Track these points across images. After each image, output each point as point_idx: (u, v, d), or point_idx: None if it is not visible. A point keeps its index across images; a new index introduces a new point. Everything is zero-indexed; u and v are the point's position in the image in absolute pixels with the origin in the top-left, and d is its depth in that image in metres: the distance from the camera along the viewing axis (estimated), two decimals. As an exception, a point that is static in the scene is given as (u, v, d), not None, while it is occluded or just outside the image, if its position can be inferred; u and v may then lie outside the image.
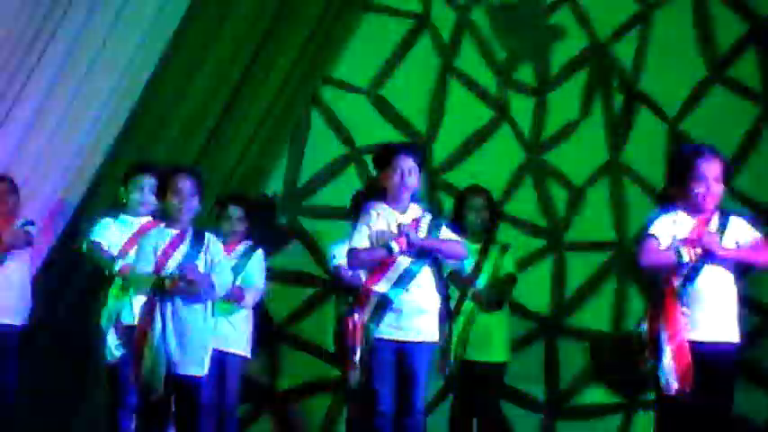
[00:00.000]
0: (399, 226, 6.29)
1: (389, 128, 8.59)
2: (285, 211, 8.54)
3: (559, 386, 8.58)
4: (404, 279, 6.29)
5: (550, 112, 8.73)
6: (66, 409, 7.89)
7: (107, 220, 7.15)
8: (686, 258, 5.86)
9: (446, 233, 6.45)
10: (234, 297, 7.19)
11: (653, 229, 5.95)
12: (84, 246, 7.16)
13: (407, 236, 6.24)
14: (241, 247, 7.44)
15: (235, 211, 7.44)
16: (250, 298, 7.37)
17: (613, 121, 8.72)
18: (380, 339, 6.27)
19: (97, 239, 7.09)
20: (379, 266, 6.29)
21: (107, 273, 7.06)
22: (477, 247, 7.53)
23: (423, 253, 6.30)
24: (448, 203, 8.43)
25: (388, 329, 6.28)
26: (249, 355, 7.43)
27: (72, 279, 7.97)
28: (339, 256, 7.14)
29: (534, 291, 8.54)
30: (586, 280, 8.66)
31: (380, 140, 8.36)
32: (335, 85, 8.62)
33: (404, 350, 6.29)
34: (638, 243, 6.12)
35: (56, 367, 7.90)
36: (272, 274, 8.30)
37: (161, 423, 6.32)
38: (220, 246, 6.47)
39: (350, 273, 7.02)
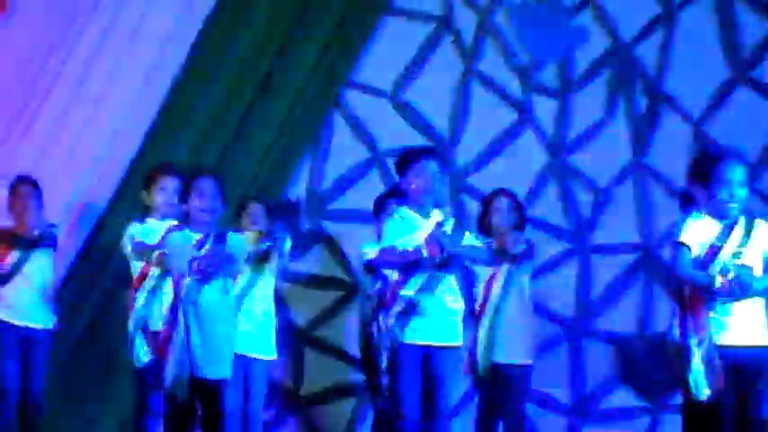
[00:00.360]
0: (431, 232, 6.27)
1: (412, 131, 8.58)
2: (308, 214, 8.53)
3: (585, 389, 8.56)
4: (431, 283, 6.27)
5: (574, 113, 8.71)
6: (94, 413, 7.91)
7: (135, 224, 7.12)
8: (718, 285, 5.83)
9: (469, 239, 6.44)
10: None
11: (684, 237, 5.90)
12: (130, 247, 7.10)
13: (438, 242, 6.22)
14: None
15: (253, 207, 7.40)
16: None
17: (637, 122, 8.70)
18: (406, 344, 6.26)
19: (139, 239, 7.05)
20: (407, 269, 6.28)
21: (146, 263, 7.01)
22: None
23: (450, 259, 6.28)
24: (471, 207, 8.43)
25: (414, 333, 6.27)
26: (274, 357, 7.40)
27: (98, 283, 7.99)
28: (371, 252, 7.14)
29: (559, 293, 8.52)
30: (611, 282, 8.64)
31: (403, 144, 8.33)
32: (358, 88, 8.61)
33: (429, 354, 6.28)
34: (670, 250, 6.06)
35: (83, 371, 7.92)
36: (295, 278, 8.32)
37: (187, 428, 6.32)
38: (239, 236, 6.46)
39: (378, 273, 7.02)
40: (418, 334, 6.27)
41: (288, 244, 7.08)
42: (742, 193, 5.89)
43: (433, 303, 6.28)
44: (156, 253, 6.61)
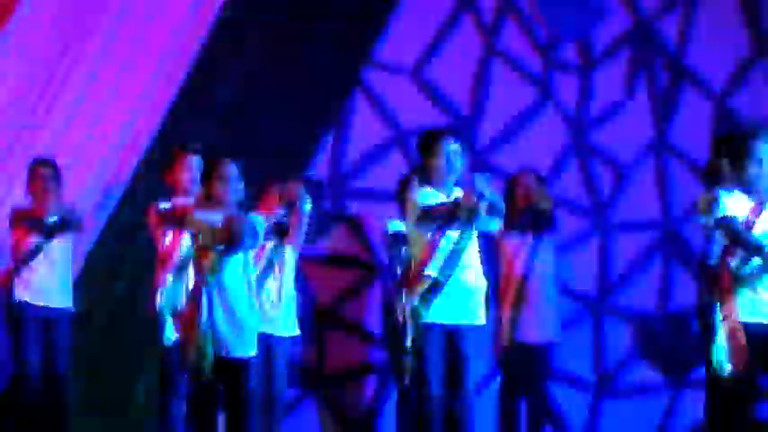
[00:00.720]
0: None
1: (433, 110, 8.57)
2: (330, 194, 8.55)
3: (606, 366, 8.57)
4: (452, 259, 6.28)
5: (595, 91, 8.69)
6: (120, 394, 7.95)
7: (161, 203, 7.12)
8: None
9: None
10: None
11: (724, 213, 5.91)
12: (156, 218, 7.08)
13: (475, 188, 6.20)
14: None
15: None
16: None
17: (658, 99, 8.68)
18: (430, 323, 6.29)
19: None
20: (429, 247, 6.29)
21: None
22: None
23: (488, 207, 6.24)
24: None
25: (438, 313, 6.29)
26: (296, 333, 7.43)
27: (121, 265, 8.03)
28: (394, 227, 7.15)
29: (580, 271, 8.52)
30: (632, 259, 8.64)
31: (424, 123, 8.34)
32: (379, 67, 8.61)
33: (453, 333, 6.30)
34: (713, 226, 6.05)
35: (109, 352, 7.96)
36: (317, 258, 8.34)
37: (210, 408, 6.35)
38: (259, 216, 6.48)
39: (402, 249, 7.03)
40: (442, 313, 6.29)
41: (308, 205, 7.12)
42: None
43: (457, 282, 6.29)
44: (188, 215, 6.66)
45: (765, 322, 5.84)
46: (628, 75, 8.68)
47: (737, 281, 5.82)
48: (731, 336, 5.78)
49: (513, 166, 8.19)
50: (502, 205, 6.34)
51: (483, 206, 6.18)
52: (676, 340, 8.55)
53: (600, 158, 8.67)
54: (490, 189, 6.23)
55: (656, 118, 8.67)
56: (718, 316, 5.81)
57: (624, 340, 8.60)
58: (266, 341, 7.03)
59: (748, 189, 5.90)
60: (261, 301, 7.01)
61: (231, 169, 6.37)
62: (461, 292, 6.30)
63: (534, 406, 7.51)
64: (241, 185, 6.39)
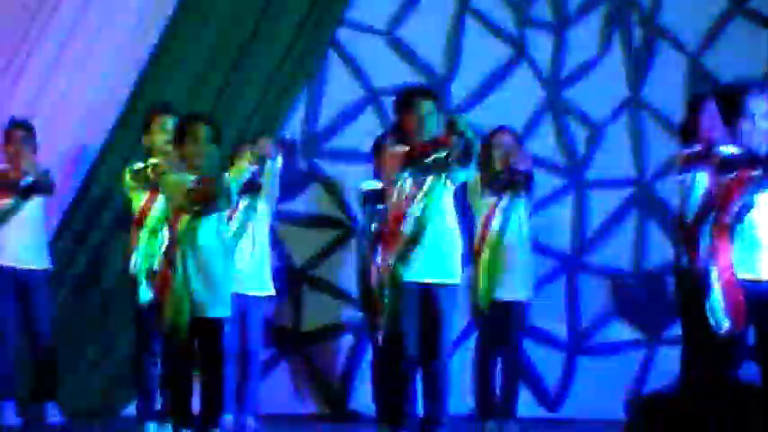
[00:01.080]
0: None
1: (407, 69, 8.54)
2: (304, 154, 8.52)
3: (581, 324, 8.59)
4: (426, 216, 6.26)
5: (569, 48, 8.67)
6: (94, 354, 7.94)
7: (137, 163, 7.09)
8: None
9: None
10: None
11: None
12: (129, 176, 7.05)
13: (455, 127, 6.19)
14: None
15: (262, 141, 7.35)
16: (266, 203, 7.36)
17: (633, 56, 8.67)
18: (407, 282, 6.28)
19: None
20: (405, 204, 6.28)
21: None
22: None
23: (467, 146, 6.23)
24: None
25: (413, 272, 6.28)
26: (271, 292, 7.41)
27: (96, 225, 8.00)
28: (368, 185, 7.16)
29: (555, 229, 8.53)
30: (607, 217, 8.65)
31: (398, 82, 8.31)
32: (352, 26, 8.56)
33: (429, 293, 6.30)
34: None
35: (83, 312, 7.95)
36: (292, 218, 8.32)
37: (186, 368, 6.34)
38: (232, 176, 6.41)
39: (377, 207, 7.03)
40: (418, 272, 6.28)
41: (279, 161, 7.16)
42: (765, 125, 5.89)
43: (433, 240, 6.29)
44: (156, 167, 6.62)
45: (756, 279, 5.83)
46: (602, 32, 8.66)
47: (731, 236, 5.79)
48: (729, 292, 5.74)
49: (488, 124, 8.17)
50: (478, 148, 6.33)
51: (459, 145, 6.17)
52: (651, 297, 8.57)
53: (574, 116, 8.66)
54: (470, 130, 6.23)
55: (631, 75, 8.66)
56: (713, 273, 5.77)
57: (599, 298, 8.61)
58: (241, 300, 7.03)
59: (745, 145, 5.89)
60: (235, 260, 7.00)
61: (205, 130, 6.33)
62: (437, 251, 6.30)
63: (509, 364, 7.52)
64: (214, 146, 6.35)
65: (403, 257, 6.26)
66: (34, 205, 7.51)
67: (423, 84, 8.05)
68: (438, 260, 6.31)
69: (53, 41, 7.92)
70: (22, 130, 7.54)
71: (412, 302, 6.28)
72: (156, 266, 6.72)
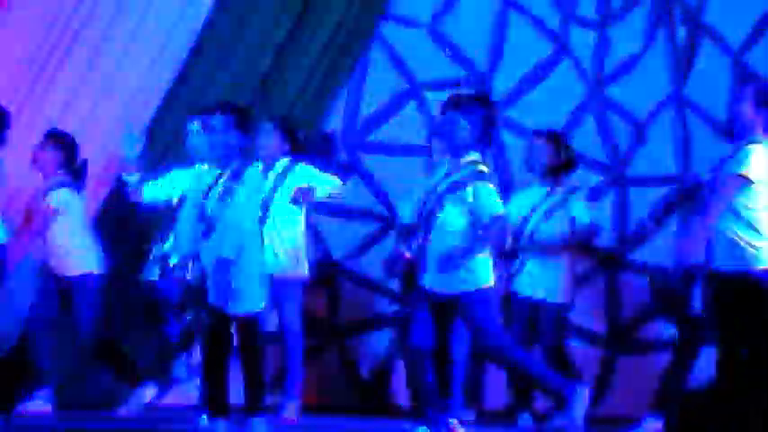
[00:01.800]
0: None
1: (450, 63, 8.55)
2: (345, 147, 8.55)
3: (621, 321, 8.57)
4: (429, 221, 6.30)
5: (612, 45, 8.64)
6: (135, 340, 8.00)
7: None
8: None
9: None
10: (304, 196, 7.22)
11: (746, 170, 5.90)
12: None
13: None
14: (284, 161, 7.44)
15: (266, 125, 7.39)
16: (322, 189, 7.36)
17: (676, 53, 8.62)
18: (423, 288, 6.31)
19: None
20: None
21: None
22: (545, 189, 7.58)
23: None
24: (508, 139, 8.42)
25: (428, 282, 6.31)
26: (305, 274, 7.42)
27: (127, 229, 8.05)
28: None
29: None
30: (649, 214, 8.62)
31: (440, 76, 8.36)
32: (395, 20, 8.58)
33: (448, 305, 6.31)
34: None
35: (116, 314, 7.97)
36: (331, 210, 8.36)
37: (221, 359, 6.39)
38: (256, 170, 6.43)
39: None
40: (432, 284, 6.30)
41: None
42: None
43: (437, 250, 6.23)
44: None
45: None
46: (645, 29, 8.62)
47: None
48: None
49: (530, 120, 8.18)
50: None
51: None
52: (691, 294, 8.52)
53: (617, 113, 8.63)
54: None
55: (674, 72, 8.62)
56: None
57: (639, 294, 8.58)
58: (276, 284, 7.02)
59: None
60: (272, 247, 7.04)
61: (218, 120, 6.32)
62: (442, 260, 6.22)
63: (548, 361, 7.52)
64: (232, 136, 6.32)
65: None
66: (80, 207, 7.57)
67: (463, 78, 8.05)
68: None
69: (87, 45, 7.95)
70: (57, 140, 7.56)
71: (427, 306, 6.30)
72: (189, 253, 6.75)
